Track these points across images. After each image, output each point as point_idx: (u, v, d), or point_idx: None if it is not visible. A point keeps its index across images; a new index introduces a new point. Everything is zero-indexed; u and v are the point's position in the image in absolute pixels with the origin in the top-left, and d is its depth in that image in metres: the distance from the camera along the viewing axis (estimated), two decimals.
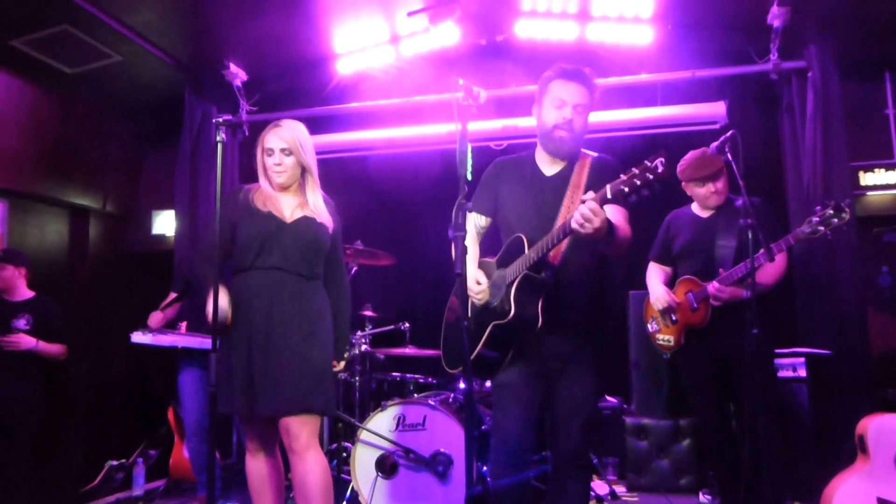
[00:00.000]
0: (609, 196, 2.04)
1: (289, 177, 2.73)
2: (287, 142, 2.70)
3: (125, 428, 5.55)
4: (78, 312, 5.24)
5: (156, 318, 3.92)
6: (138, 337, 3.61)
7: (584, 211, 2.05)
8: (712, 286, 3.26)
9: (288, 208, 2.74)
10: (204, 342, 3.60)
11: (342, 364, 2.88)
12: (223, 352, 2.60)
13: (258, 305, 2.61)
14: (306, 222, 2.72)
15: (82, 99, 5.27)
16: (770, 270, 3.31)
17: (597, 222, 2.06)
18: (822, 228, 3.06)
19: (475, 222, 2.69)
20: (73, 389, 5.30)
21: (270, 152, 2.71)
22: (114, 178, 5.75)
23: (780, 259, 3.27)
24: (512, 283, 2.36)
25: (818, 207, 3.12)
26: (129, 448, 5.04)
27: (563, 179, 2.51)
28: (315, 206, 2.76)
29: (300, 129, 2.77)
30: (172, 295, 4.04)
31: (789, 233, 3.17)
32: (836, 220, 3.03)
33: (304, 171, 2.76)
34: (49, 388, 4.28)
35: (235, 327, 2.62)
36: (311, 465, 2.59)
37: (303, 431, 2.58)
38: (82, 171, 5.46)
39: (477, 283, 2.47)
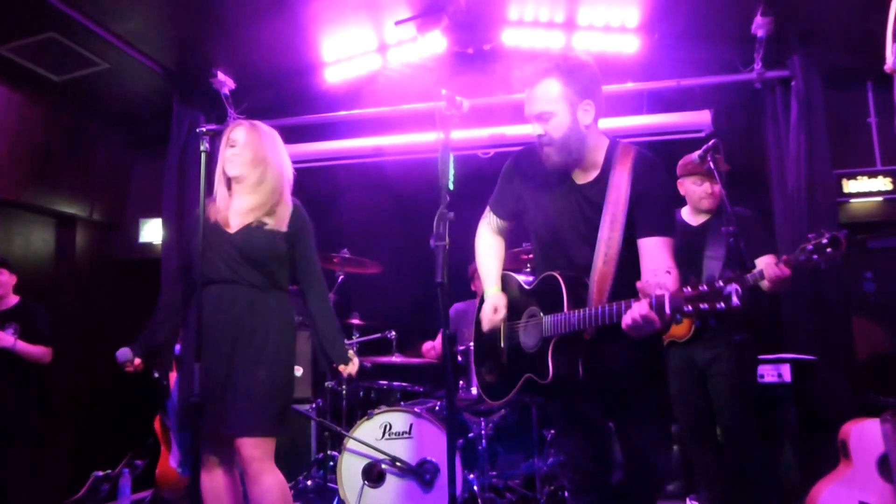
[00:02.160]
0: (667, 313, 1.78)
1: (242, 170, 2.63)
2: (250, 135, 2.67)
3: (111, 438, 5.52)
4: (64, 321, 5.20)
5: None
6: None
7: (635, 315, 1.82)
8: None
9: (237, 215, 2.65)
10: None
11: (353, 365, 2.74)
12: (182, 370, 2.61)
13: (212, 321, 2.54)
14: (251, 230, 2.62)
15: (69, 106, 5.25)
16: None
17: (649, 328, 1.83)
18: (815, 257, 2.99)
19: (495, 223, 2.47)
20: (59, 398, 5.27)
21: (233, 143, 2.66)
22: (101, 186, 5.73)
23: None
24: (549, 340, 2.11)
25: (811, 235, 2.89)
26: (115, 458, 5.01)
27: (598, 190, 2.16)
28: (272, 211, 2.65)
29: (267, 128, 2.74)
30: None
31: (774, 245, 3.13)
32: (830, 249, 2.93)
33: (264, 171, 2.66)
34: (33, 394, 4.26)
35: (190, 345, 2.58)
36: (268, 487, 2.52)
37: (255, 454, 2.50)
38: (69, 179, 5.44)
39: (495, 310, 2.29)
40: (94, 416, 5.58)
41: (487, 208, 2.49)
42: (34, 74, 4.72)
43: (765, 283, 2.98)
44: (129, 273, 5.87)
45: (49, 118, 5.15)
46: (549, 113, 2.13)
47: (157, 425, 4.65)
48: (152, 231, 5.81)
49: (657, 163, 2.17)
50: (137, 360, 2.66)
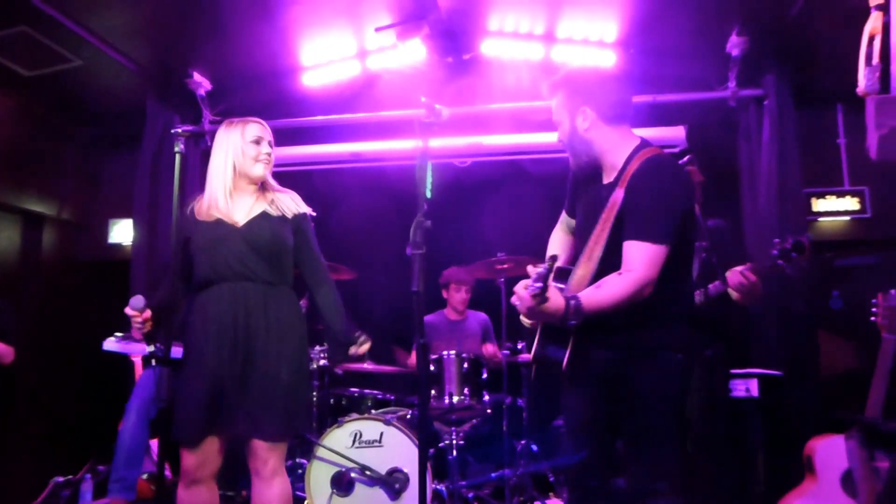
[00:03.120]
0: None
1: (270, 170, 2.68)
2: (270, 135, 2.68)
3: (73, 442, 5.40)
4: (29, 322, 5.09)
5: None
6: (110, 344, 3.52)
7: (521, 293, 1.96)
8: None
9: (242, 210, 2.61)
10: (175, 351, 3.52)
11: (363, 346, 2.75)
12: (181, 375, 2.51)
13: (223, 321, 2.48)
14: (260, 221, 2.59)
15: (39, 102, 5.15)
16: None
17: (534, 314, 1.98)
18: (781, 263, 3.04)
19: (566, 222, 2.53)
20: (20, 400, 5.14)
21: (259, 140, 2.63)
22: (70, 185, 5.63)
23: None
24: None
25: (776, 240, 3.02)
26: (76, 463, 4.89)
27: (607, 193, 2.19)
28: (275, 200, 2.65)
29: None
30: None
31: (745, 259, 3.18)
32: (794, 254, 3.00)
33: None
34: None
35: (198, 346, 2.50)
36: (278, 492, 2.49)
37: (271, 456, 2.48)
38: (37, 177, 5.33)
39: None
40: (55, 419, 5.46)
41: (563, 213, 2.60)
42: (4, 68, 4.62)
43: (733, 294, 3.01)
44: (96, 274, 5.75)
45: (18, 114, 5.05)
46: (557, 122, 2.31)
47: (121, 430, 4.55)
48: (122, 232, 5.71)
49: (664, 170, 2.15)
50: (148, 313, 2.51)
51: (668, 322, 2.13)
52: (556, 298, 1.93)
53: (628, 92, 2.31)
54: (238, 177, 2.63)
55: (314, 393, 4.06)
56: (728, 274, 2.97)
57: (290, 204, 2.68)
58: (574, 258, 2.28)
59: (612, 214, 2.11)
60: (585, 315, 1.97)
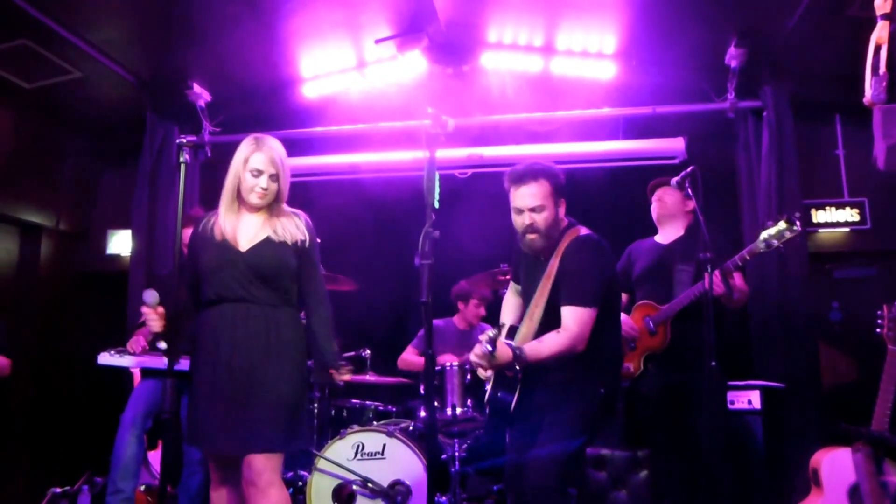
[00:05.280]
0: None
1: (267, 201, 2.64)
2: (276, 167, 2.62)
3: (70, 453, 5.35)
4: (26, 333, 5.06)
5: (138, 342, 3.78)
6: (105, 359, 3.50)
7: (476, 352, 2.40)
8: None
9: (247, 233, 2.63)
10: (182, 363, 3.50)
11: (343, 373, 2.77)
12: (190, 388, 2.57)
13: (222, 340, 2.52)
14: (263, 247, 2.60)
15: (38, 114, 5.14)
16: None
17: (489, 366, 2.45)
18: (775, 242, 3.08)
19: (514, 287, 3.01)
20: (18, 411, 5.10)
21: (257, 173, 2.60)
22: (68, 196, 5.60)
23: (739, 278, 3.33)
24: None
25: (769, 222, 3.15)
26: (73, 475, 4.85)
27: (542, 265, 2.67)
28: (280, 226, 2.64)
29: (282, 150, 2.68)
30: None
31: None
32: (787, 232, 3.05)
33: (276, 189, 2.65)
34: None
35: (202, 363, 2.55)
36: (275, 502, 2.49)
37: (266, 468, 2.48)
38: (35, 188, 5.31)
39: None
40: (53, 430, 5.41)
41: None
42: (4, 81, 4.61)
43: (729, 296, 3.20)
44: (94, 285, 5.73)
45: (17, 125, 5.03)
46: (542, 206, 2.60)
47: None
48: (120, 243, 5.68)
49: (590, 244, 2.64)
50: (161, 309, 2.56)
51: (596, 365, 2.60)
52: (504, 351, 2.39)
53: None
54: (242, 199, 2.65)
55: (315, 405, 4.04)
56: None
57: (295, 231, 2.66)
58: (521, 318, 2.73)
59: (549, 282, 2.59)
60: (529, 362, 2.44)
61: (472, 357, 2.40)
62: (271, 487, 2.49)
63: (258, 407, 2.47)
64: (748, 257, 3.19)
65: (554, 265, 2.60)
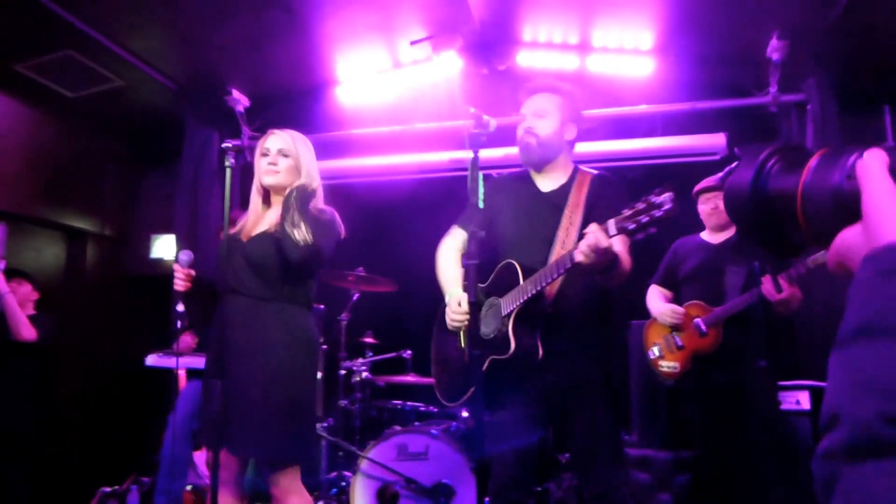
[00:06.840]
0: (613, 232, 1.96)
1: (281, 179, 2.55)
2: (286, 144, 2.57)
3: (118, 454, 5.46)
4: (73, 336, 5.18)
5: (185, 341, 3.87)
6: (153, 360, 3.58)
7: (590, 241, 1.96)
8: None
9: (259, 226, 2.60)
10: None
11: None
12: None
13: (219, 335, 2.44)
14: (261, 238, 2.52)
15: (82, 122, 5.27)
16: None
17: (602, 255, 1.97)
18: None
19: (461, 238, 2.65)
20: (67, 413, 5.22)
21: (266, 152, 2.59)
22: (112, 202, 5.74)
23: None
24: (509, 315, 2.26)
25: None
26: (120, 475, 4.94)
27: (560, 197, 2.44)
28: (295, 221, 2.44)
29: (300, 136, 2.65)
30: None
31: (791, 265, 3.11)
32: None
33: (294, 180, 2.57)
34: (40, 408, 4.20)
35: (207, 359, 2.58)
36: None
37: (281, 478, 2.42)
38: (80, 194, 5.44)
39: (459, 305, 2.39)
40: (100, 431, 5.53)
41: (453, 226, 2.74)
42: (49, 91, 4.74)
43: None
44: (139, 288, 5.84)
45: (62, 133, 5.17)
46: (545, 111, 2.46)
47: None
48: (163, 247, 5.79)
49: (614, 179, 2.49)
50: (190, 271, 2.57)
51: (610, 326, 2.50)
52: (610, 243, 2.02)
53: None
54: (266, 193, 2.66)
55: (356, 405, 4.05)
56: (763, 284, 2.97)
57: (315, 227, 2.50)
58: (518, 248, 2.41)
59: (580, 210, 2.35)
60: (620, 269, 2.19)
61: (583, 246, 2.00)
62: (289, 496, 2.42)
63: (251, 410, 2.37)
64: (803, 271, 3.04)
65: (580, 196, 2.39)
